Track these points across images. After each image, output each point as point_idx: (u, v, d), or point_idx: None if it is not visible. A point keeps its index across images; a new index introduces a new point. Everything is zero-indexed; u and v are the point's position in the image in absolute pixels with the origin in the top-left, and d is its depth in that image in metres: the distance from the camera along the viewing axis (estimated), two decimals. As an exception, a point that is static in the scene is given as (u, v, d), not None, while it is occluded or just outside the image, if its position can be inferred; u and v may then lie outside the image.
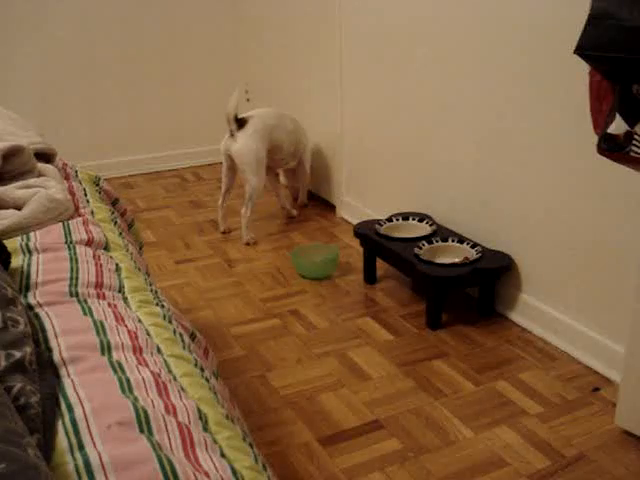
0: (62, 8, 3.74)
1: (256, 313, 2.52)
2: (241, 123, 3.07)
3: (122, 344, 1.12)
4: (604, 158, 1.42)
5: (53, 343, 1.11)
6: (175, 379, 1.08)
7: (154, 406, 0.96)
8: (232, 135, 3.08)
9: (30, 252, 1.46)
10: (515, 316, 2.41)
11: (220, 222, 3.29)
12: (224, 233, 3.29)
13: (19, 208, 1.64)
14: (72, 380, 1.01)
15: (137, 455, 0.84)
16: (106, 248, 1.57)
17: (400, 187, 2.97)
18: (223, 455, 0.92)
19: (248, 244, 3.15)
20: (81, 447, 0.87)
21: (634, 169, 1.43)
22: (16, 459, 0.73)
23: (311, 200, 3.63)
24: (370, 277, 2.73)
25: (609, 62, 1.29)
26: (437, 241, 2.53)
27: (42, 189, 1.69)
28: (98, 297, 1.30)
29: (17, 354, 0.98)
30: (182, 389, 1.05)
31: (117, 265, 1.48)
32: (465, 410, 1.95)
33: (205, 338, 1.45)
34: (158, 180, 4.07)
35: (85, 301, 1.27)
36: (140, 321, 1.25)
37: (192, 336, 1.35)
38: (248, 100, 4.27)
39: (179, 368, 1.12)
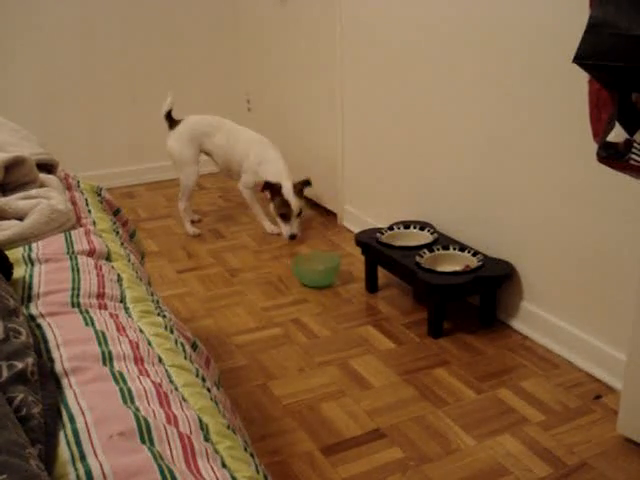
0: (62, 18, 3.76)
1: (257, 322, 2.53)
2: (175, 123, 3.37)
3: (124, 354, 1.13)
4: (604, 166, 1.42)
5: (55, 354, 1.11)
6: (176, 389, 1.08)
7: (155, 416, 0.96)
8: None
9: (32, 263, 1.46)
10: (517, 324, 2.41)
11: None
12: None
13: (21, 219, 1.64)
14: (74, 390, 1.01)
15: (138, 465, 0.84)
16: (108, 258, 1.58)
17: (401, 196, 2.97)
18: (224, 465, 0.92)
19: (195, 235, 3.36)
20: (83, 457, 0.87)
21: (634, 177, 1.44)
22: (18, 470, 0.74)
23: (314, 208, 3.64)
24: (371, 285, 2.73)
25: (608, 71, 1.29)
26: (438, 249, 2.53)
27: (44, 200, 1.70)
28: (100, 307, 1.31)
29: (19, 365, 0.98)
30: (183, 399, 1.05)
31: (119, 275, 1.49)
32: (467, 418, 1.95)
33: (206, 347, 1.45)
34: (159, 189, 4.08)
35: (87, 311, 1.28)
36: (141, 331, 1.25)
37: (193, 346, 1.35)
38: (249, 109, 4.28)
39: (180, 378, 1.12)
